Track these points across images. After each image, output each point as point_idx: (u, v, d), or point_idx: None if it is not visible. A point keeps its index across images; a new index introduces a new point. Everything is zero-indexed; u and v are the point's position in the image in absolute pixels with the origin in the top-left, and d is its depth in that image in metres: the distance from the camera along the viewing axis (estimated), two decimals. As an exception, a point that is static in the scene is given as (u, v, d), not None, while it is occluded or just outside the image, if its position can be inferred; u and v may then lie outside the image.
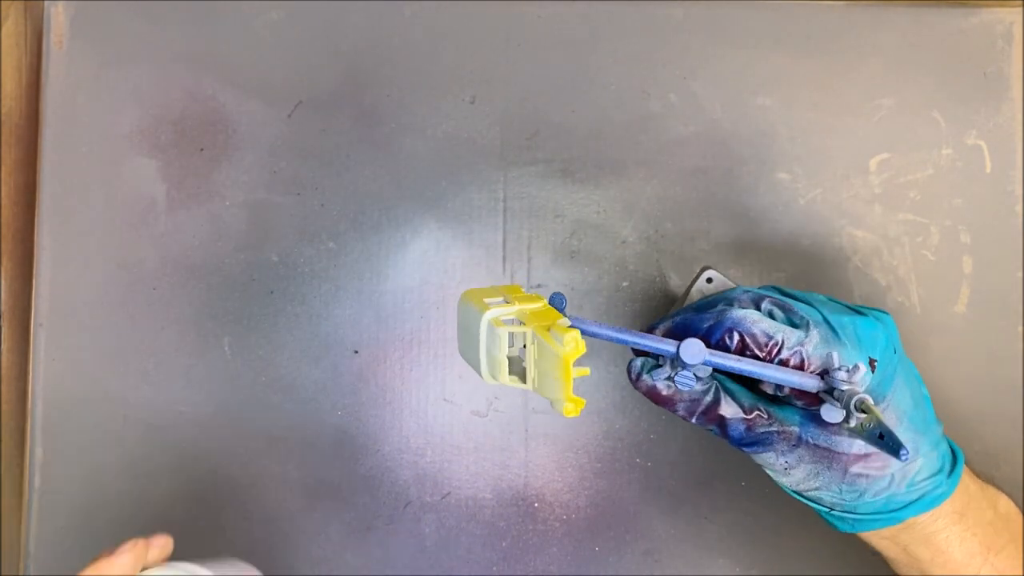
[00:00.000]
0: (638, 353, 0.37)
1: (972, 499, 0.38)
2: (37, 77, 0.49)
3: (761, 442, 0.36)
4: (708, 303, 0.38)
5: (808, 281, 0.48)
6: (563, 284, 0.48)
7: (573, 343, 0.30)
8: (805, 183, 0.49)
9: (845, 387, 0.33)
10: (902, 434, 0.35)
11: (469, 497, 0.48)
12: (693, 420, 0.37)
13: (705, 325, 0.36)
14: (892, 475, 0.36)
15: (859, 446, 0.35)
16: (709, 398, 0.36)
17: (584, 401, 0.31)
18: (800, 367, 0.34)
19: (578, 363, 0.31)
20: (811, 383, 0.34)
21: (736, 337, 0.35)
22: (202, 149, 0.48)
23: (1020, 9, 0.49)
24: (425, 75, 0.49)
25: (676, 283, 0.48)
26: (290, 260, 0.48)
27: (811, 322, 0.35)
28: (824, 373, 0.34)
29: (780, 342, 0.34)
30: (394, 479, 0.48)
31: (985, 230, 0.48)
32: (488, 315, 0.32)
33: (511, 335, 0.32)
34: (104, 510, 0.47)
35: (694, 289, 0.42)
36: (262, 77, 0.48)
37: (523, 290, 0.35)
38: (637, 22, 0.49)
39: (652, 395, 0.37)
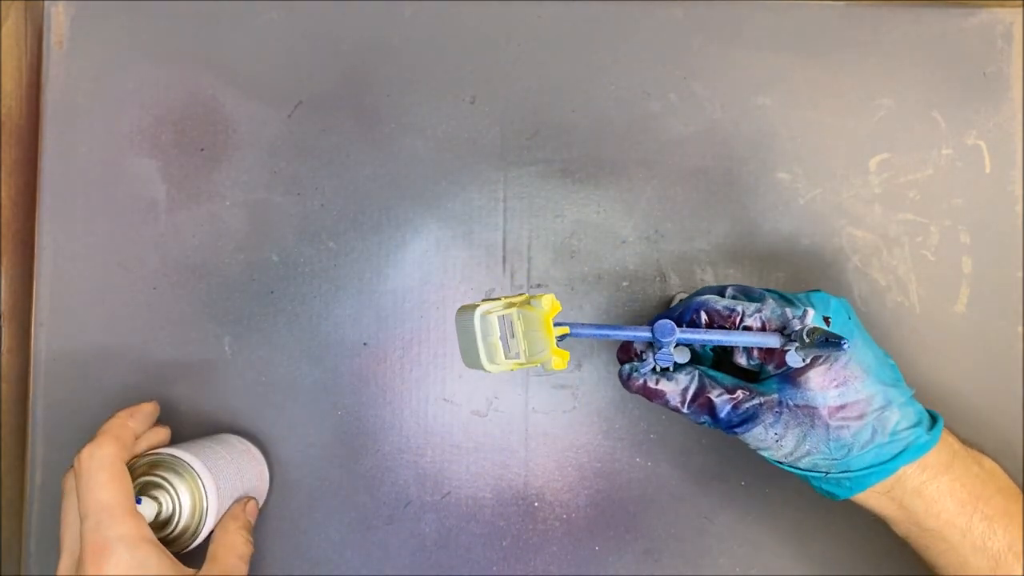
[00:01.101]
0: (623, 361, 0.42)
1: (956, 455, 0.40)
2: (37, 77, 0.49)
3: (750, 418, 0.39)
4: (672, 299, 0.45)
5: (808, 281, 0.48)
6: (563, 284, 0.48)
7: (550, 303, 0.36)
8: (805, 183, 0.49)
9: (798, 327, 0.38)
10: (871, 386, 0.39)
11: (469, 497, 0.48)
12: (685, 409, 0.40)
13: (676, 314, 0.41)
14: (872, 425, 0.38)
15: (832, 397, 0.38)
16: (695, 385, 0.40)
17: (568, 353, 0.36)
18: (762, 329, 0.38)
19: (558, 324, 0.36)
20: (772, 340, 0.38)
21: (704, 316, 0.39)
22: (202, 149, 0.48)
23: (1020, 9, 0.49)
24: (425, 75, 0.49)
25: (676, 283, 0.48)
26: (290, 260, 0.48)
27: (766, 294, 0.41)
28: (782, 330, 0.39)
29: (741, 312, 0.39)
30: (394, 479, 0.48)
31: (985, 230, 0.48)
32: (479, 310, 0.37)
33: (500, 318, 0.37)
34: (104, 510, 0.47)
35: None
36: (262, 77, 0.48)
37: (508, 295, 0.40)
38: (637, 22, 0.49)
39: (645, 391, 0.40)
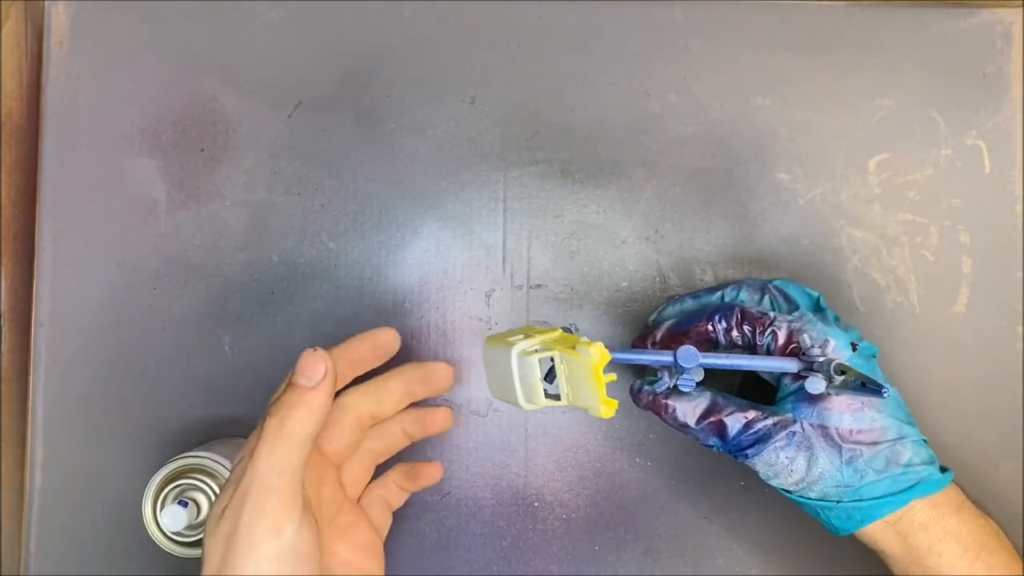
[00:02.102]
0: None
1: (965, 504, 0.40)
2: (37, 77, 0.49)
3: (761, 439, 0.39)
4: (713, 289, 0.45)
5: (808, 281, 0.48)
6: (563, 284, 0.48)
7: (599, 354, 0.35)
8: (805, 183, 0.49)
9: (821, 359, 0.38)
10: (887, 417, 0.39)
11: (469, 497, 0.48)
12: (694, 427, 0.40)
13: (708, 309, 0.41)
14: (885, 454, 0.38)
15: (847, 421, 0.38)
16: (706, 403, 0.40)
17: (617, 402, 0.35)
18: (789, 340, 0.39)
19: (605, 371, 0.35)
20: (791, 365, 0.39)
21: (736, 313, 0.40)
22: (202, 149, 0.48)
23: (1020, 9, 0.49)
24: (425, 75, 0.49)
25: (676, 283, 0.48)
26: (290, 260, 0.48)
27: (801, 306, 0.41)
28: (800, 355, 0.39)
29: (772, 317, 0.39)
30: (394, 479, 0.48)
31: (984, 230, 0.48)
32: (516, 349, 0.36)
33: (540, 360, 0.36)
34: (104, 510, 0.47)
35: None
36: (262, 77, 0.48)
37: (536, 326, 0.40)
38: (637, 22, 0.49)
39: (654, 407, 0.41)
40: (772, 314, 0.40)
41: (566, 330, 0.40)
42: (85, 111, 0.48)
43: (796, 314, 0.40)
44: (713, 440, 0.40)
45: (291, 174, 0.48)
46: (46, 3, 0.48)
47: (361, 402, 0.41)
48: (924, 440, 0.40)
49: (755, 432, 0.39)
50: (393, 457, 0.44)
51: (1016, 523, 0.48)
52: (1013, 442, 0.48)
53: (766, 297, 0.43)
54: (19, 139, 0.50)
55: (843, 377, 0.37)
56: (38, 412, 0.47)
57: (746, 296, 0.43)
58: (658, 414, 0.41)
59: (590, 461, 0.48)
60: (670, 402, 0.40)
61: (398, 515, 0.47)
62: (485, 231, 0.48)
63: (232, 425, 0.48)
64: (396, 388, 0.42)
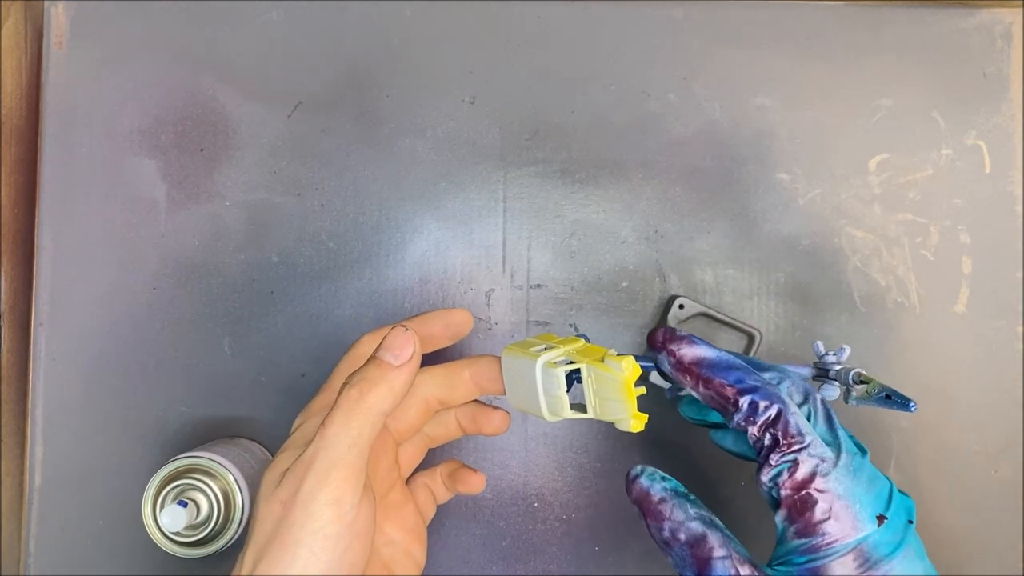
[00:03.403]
0: (653, 345, 0.37)
1: None
2: (37, 77, 0.49)
3: None
4: (759, 364, 0.37)
5: (808, 281, 0.48)
6: (563, 284, 0.48)
7: (630, 368, 0.34)
8: (805, 183, 0.49)
9: (838, 367, 0.36)
10: None
11: (469, 497, 0.48)
12: (676, 549, 0.35)
13: (750, 382, 0.35)
14: None
15: None
16: (700, 529, 0.34)
17: (647, 416, 0.34)
18: (809, 480, 0.33)
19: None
20: (803, 371, 0.37)
21: (772, 411, 0.34)
22: (202, 149, 0.48)
23: (1020, 9, 0.49)
24: (425, 75, 0.49)
25: (676, 283, 0.48)
26: (290, 260, 0.48)
27: (843, 448, 0.34)
28: (815, 362, 0.37)
29: (806, 443, 0.33)
30: (394, 479, 0.48)
31: (985, 230, 0.48)
32: (541, 361, 0.35)
33: (569, 372, 0.35)
34: (104, 510, 0.47)
35: (670, 317, 0.46)
36: (262, 77, 0.48)
37: (555, 335, 0.38)
38: (637, 22, 0.49)
39: (644, 503, 0.36)
40: (809, 439, 0.33)
41: (578, 334, 0.39)
42: (85, 111, 0.48)
43: (831, 453, 0.33)
44: (689, 574, 0.34)
45: (291, 174, 0.48)
46: (46, 3, 0.48)
47: (432, 385, 0.39)
48: None
49: None
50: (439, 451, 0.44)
51: (1016, 523, 0.48)
52: (1013, 442, 0.48)
53: (806, 406, 0.36)
54: (19, 139, 0.50)
55: (864, 387, 0.34)
56: (38, 412, 0.47)
57: (784, 392, 0.36)
58: (643, 514, 0.36)
59: (590, 461, 0.48)
60: (662, 509, 0.35)
61: (398, 515, 0.47)
62: (485, 231, 0.48)
63: (232, 425, 0.48)
64: (468, 378, 0.39)
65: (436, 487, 0.42)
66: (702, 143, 0.49)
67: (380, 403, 0.33)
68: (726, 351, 0.37)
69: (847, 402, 0.36)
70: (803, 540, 0.33)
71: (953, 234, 0.48)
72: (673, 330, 0.37)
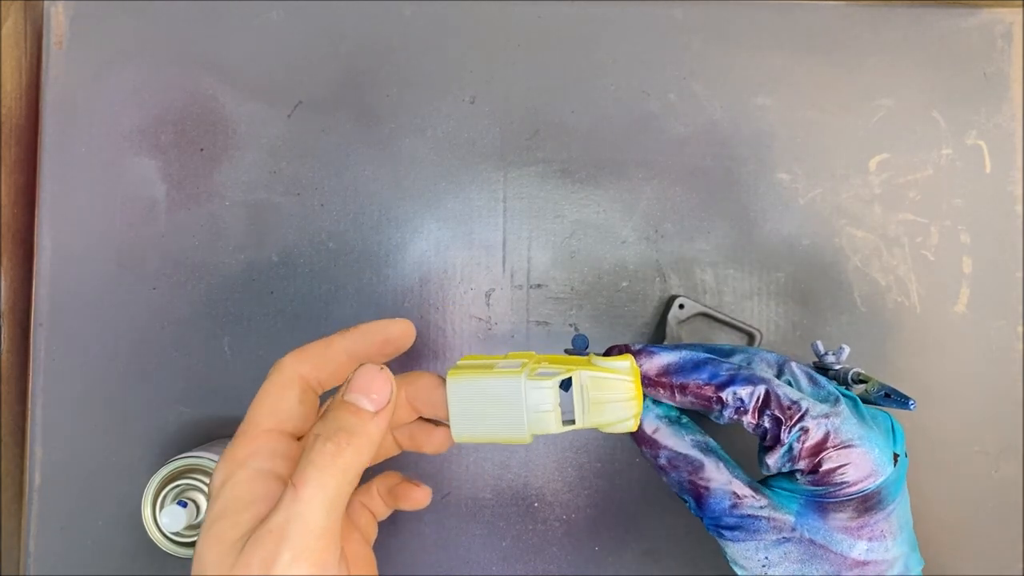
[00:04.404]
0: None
1: None
2: (37, 77, 0.49)
3: (745, 527, 0.33)
4: (723, 349, 0.36)
5: (808, 281, 0.48)
6: (563, 284, 0.48)
7: (633, 363, 0.32)
8: (805, 183, 0.49)
9: (838, 367, 0.35)
10: (900, 546, 0.33)
11: (469, 497, 0.48)
12: (672, 475, 0.34)
13: (724, 373, 0.34)
14: None
15: (860, 550, 0.32)
16: (699, 457, 0.34)
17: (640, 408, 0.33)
18: (824, 441, 0.32)
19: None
20: (771, 356, 0.36)
21: (759, 393, 0.33)
22: (202, 149, 0.48)
23: (1020, 9, 0.49)
24: (425, 75, 0.49)
25: (676, 283, 0.48)
26: (290, 260, 0.48)
27: (840, 397, 0.33)
28: (815, 362, 0.36)
29: (804, 409, 0.32)
30: (394, 479, 0.48)
31: (985, 230, 0.48)
32: (524, 377, 0.32)
33: (559, 383, 0.32)
34: (104, 510, 0.47)
35: (670, 316, 0.46)
36: (262, 77, 0.48)
37: (481, 354, 0.36)
38: (637, 22, 0.49)
39: (637, 435, 0.35)
40: (805, 404, 0.32)
41: (580, 342, 0.37)
42: (84, 111, 0.48)
43: (830, 407, 0.33)
44: (688, 499, 0.34)
45: (291, 174, 0.48)
46: (45, 3, 0.48)
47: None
48: (920, 571, 0.35)
49: (740, 515, 0.33)
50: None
51: (1016, 523, 0.48)
52: (1013, 442, 0.48)
53: (784, 377, 0.35)
54: (19, 138, 0.50)
55: (864, 386, 0.34)
56: (38, 412, 0.47)
57: (759, 370, 0.35)
58: (637, 443, 0.35)
59: (590, 461, 0.48)
60: (657, 437, 0.34)
61: (399, 515, 0.47)
62: (485, 231, 0.48)
63: (232, 425, 0.48)
64: (404, 401, 0.35)
65: (374, 505, 0.39)
66: (702, 143, 0.48)
67: (359, 458, 0.29)
68: (685, 346, 0.36)
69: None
70: (821, 488, 0.33)
71: (953, 234, 0.48)
72: (626, 346, 0.36)
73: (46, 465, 0.47)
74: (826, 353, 0.37)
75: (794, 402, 0.32)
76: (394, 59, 0.48)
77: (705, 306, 0.47)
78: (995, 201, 0.48)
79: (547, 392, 0.31)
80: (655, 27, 0.49)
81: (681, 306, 0.46)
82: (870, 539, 0.32)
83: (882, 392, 0.34)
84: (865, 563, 0.32)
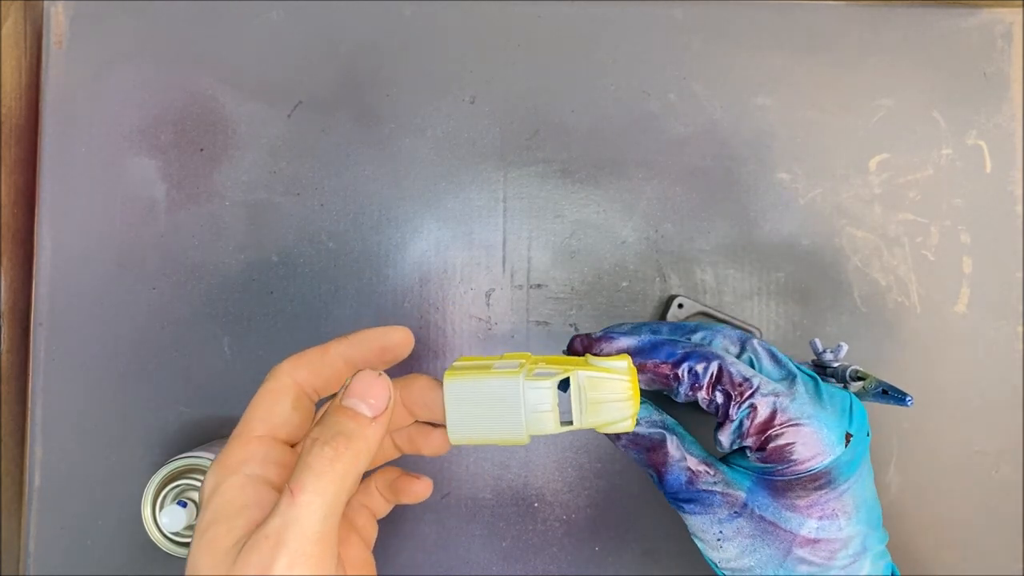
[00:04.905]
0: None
1: None
2: (37, 77, 0.49)
3: (700, 500, 0.34)
4: (685, 327, 0.37)
5: (808, 281, 0.48)
6: (563, 284, 0.48)
7: (630, 363, 0.33)
8: (805, 183, 0.49)
9: (835, 364, 0.35)
10: (856, 525, 0.33)
11: (469, 497, 0.48)
12: (632, 454, 0.35)
13: (679, 350, 0.34)
14: (837, 570, 0.33)
15: (809, 527, 0.33)
16: (656, 433, 0.34)
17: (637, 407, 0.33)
18: (772, 418, 0.33)
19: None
20: (733, 334, 0.36)
21: (712, 369, 0.33)
22: (202, 149, 0.48)
23: (1020, 9, 0.49)
24: (425, 75, 0.49)
25: (676, 283, 0.48)
26: (290, 260, 0.48)
27: (796, 376, 0.34)
28: (813, 359, 0.37)
29: (756, 386, 0.33)
30: (394, 479, 0.48)
31: (985, 230, 0.48)
32: (523, 378, 0.32)
33: (558, 383, 0.32)
34: (104, 510, 0.47)
35: (669, 316, 0.46)
36: (262, 77, 0.48)
37: (475, 356, 0.36)
38: (637, 22, 0.49)
39: None
40: (757, 381, 0.33)
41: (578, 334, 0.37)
42: (84, 110, 0.48)
43: (783, 386, 0.33)
44: (650, 473, 0.35)
45: (291, 174, 0.48)
46: (45, 3, 0.48)
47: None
48: (885, 547, 0.35)
49: (696, 490, 0.34)
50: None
51: (1016, 523, 0.48)
52: (1013, 442, 0.48)
53: (746, 354, 0.36)
54: (18, 138, 0.50)
55: (861, 384, 0.34)
56: (37, 412, 0.47)
57: (719, 347, 0.36)
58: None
59: (590, 461, 0.48)
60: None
61: (398, 515, 0.47)
62: (485, 231, 0.48)
63: (232, 425, 0.47)
64: (400, 405, 0.35)
65: (374, 503, 0.38)
66: (702, 143, 0.48)
67: (357, 463, 0.29)
68: (647, 326, 0.36)
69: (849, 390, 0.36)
70: (772, 465, 0.33)
71: (953, 234, 0.48)
72: (589, 335, 0.36)
73: (46, 465, 0.47)
74: (824, 351, 0.37)
75: (746, 379, 0.33)
76: (394, 59, 0.48)
77: (704, 305, 0.47)
78: (995, 201, 0.48)
79: (546, 392, 0.31)
80: (655, 27, 0.49)
81: (680, 305, 0.46)
82: (820, 517, 0.33)
83: (879, 389, 0.34)
84: (816, 541, 0.33)
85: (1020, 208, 0.49)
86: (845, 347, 0.37)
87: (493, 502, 0.48)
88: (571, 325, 0.48)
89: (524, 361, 0.33)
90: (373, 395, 0.30)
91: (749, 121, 0.49)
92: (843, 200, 0.48)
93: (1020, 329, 0.48)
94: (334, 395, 0.31)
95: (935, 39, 0.49)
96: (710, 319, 0.47)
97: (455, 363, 0.34)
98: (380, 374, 0.31)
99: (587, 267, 0.48)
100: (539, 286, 0.48)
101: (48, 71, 0.48)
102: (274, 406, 0.32)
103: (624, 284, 0.48)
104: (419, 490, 0.38)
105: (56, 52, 0.48)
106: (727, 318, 0.47)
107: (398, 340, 0.35)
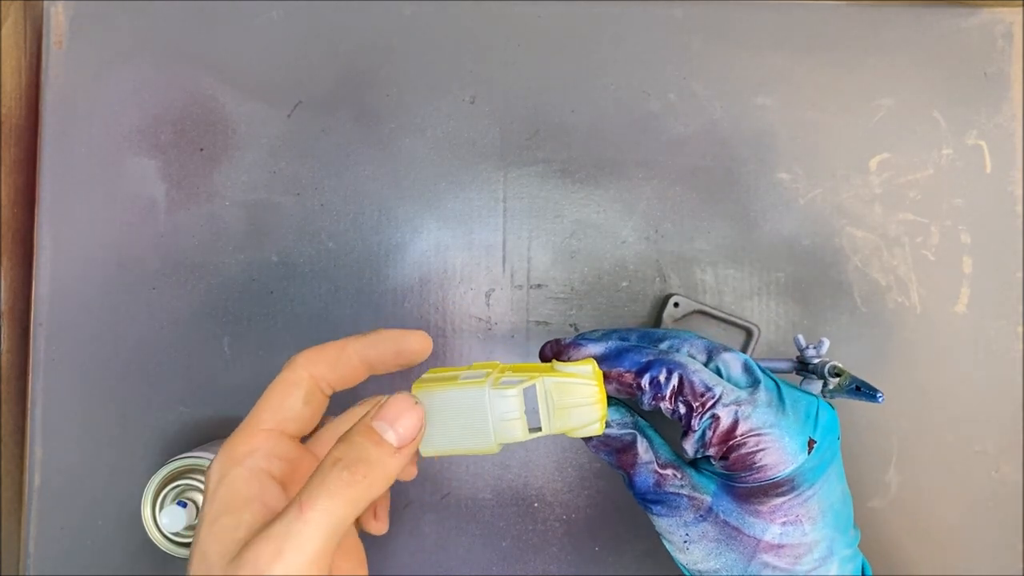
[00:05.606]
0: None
1: None
2: (37, 77, 0.49)
3: (667, 502, 0.34)
4: (655, 334, 0.37)
5: (808, 281, 0.48)
6: (563, 284, 0.48)
7: (592, 367, 0.33)
8: (805, 183, 0.49)
9: (816, 360, 0.36)
10: (822, 529, 0.33)
11: (469, 497, 0.48)
12: (603, 456, 0.36)
13: (643, 359, 0.34)
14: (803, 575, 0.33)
15: (773, 533, 0.33)
16: (626, 435, 0.35)
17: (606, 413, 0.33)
18: (733, 429, 0.33)
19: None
20: (783, 365, 0.37)
21: (675, 379, 0.33)
22: (202, 149, 0.48)
23: (1020, 9, 0.49)
24: (425, 75, 0.49)
25: (676, 283, 0.48)
26: (290, 260, 0.48)
27: (759, 384, 0.34)
28: (797, 357, 0.37)
29: (717, 396, 0.33)
30: (394, 479, 0.48)
31: (985, 230, 0.48)
32: (488, 387, 0.32)
33: (524, 391, 0.32)
34: (104, 510, 0.47)
35: (665, 315, 0.46)
36: (262, 77, 0.48)
37: (448, 367, 0.35)
38: (637, 22, 0.49)
39: None
40: (719, 390, 0.33)
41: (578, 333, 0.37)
42: (84, 111, 0.48)
43: (746, 394, 0.33)
44: (621, 475, 0.36)
45: (290, 174, 0.48)
46: (45, 3, 0.48)
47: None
48: (856, 548, 0.35)
49: (663, 492, 0.34)
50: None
51: (1016, 523, 0.48)
52: (1013, 442, 0.48)
53: (713, 363, 0.35)
54: (18, 139, 0.50)
55: (838, 380, 0.35)
56: (37, 412, 0.47)
57: (685, 356, 0.35)
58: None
59: (590, 461, 0.48)
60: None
61: (398, 515, 0.47)
62: (485, 231, 0.48)
63: (232, 425, 0.47)
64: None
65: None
66: (702, 143, 0.48)
67: (371, 491, 0.28)
68: (617, 332, 0.36)
69: (824, 395, 0.36)
70: (735, 472, 0.33)
71: (953, 234, 0.48)
72: (559, 340, 0.37)
73: (46, 465, 0.47)
74: (807, 347, 0.37)
75: (708, 388, 0.33)
76: (394, 59, 0.48)
77: (700, 304, 0.47)
78: (995, 201, 0.48)
79: (512, 400, 0.31)
80: (655, 27, 0.49)
81: (676, 304, 0.46)
82: (784, 523, 0.33)
83: (853, 385, 0.34)
84: (780, 546, 0.33)
85: (1020, 208, 0.49)
86: (827, 343, 0.37)
87: (493, 502, 0.48)
88: (571, 325, 0.48)
89: (491, 371, 0.33)
90: (403, 424, 0.29)
91: (749, 121, 0.49)
92: (843, 200, 0.48)
93: (1020, 329, 0.48)
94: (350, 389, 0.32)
95: (935, 39, 0.49)
96: (707, 317, 0.47)
97: (424, 375, 0.34)
98: (417, 402, 0.30)
99: (587, 267, 0.48)
100: (539, 286, 0.48)
101: (48, 71, 0.48)
102: (286, 399, 0.32)
103: (624, 284, 0.48)
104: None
105: (56, 52, 0.48)
106: (723, 315, 0.47)
107: (416, 347, 0.34)
